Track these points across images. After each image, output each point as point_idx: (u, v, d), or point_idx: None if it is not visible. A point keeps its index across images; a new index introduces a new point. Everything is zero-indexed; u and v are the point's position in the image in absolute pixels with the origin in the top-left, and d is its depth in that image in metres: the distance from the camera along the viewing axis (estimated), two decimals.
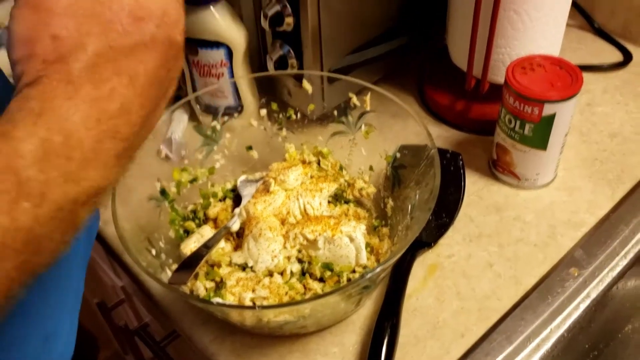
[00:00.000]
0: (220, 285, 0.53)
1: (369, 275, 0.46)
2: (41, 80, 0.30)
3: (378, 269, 0.47)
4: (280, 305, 0.48)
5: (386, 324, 0.52)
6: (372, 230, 0.59)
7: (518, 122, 0.60)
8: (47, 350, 0.48)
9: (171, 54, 0.33)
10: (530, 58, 0.61)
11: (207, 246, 0.53)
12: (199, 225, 0.59)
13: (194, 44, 0.66)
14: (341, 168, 0.64)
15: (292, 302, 0.49)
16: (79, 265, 0.50)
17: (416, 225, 0.51)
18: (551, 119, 0.58)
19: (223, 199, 0.62)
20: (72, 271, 0.48)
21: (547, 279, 0.57)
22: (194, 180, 0.61)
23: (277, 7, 0.62)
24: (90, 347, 0.84)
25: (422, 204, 0.53)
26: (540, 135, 0.60)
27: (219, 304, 0.46)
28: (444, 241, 0.61)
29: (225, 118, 0.64)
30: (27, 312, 0.44)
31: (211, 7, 0.64)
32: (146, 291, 0.59)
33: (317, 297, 0.48)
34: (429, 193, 0.52)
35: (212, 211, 0.59)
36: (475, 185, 0.66)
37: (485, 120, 0.69)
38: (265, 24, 0.63)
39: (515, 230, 0.61)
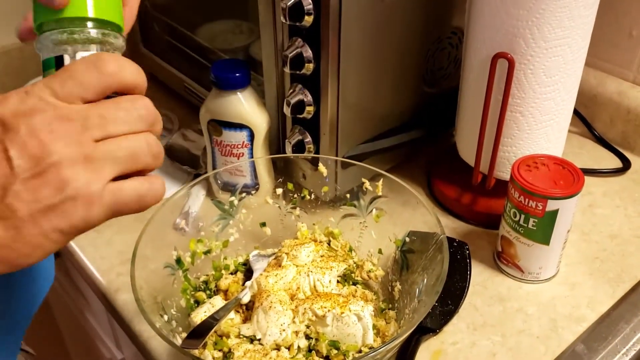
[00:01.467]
0: (227, 356, 0.53)
1: (373, 354, 0.48)
2: None
3: (382, 348, 0.48)
4: None
5: None
6: (379, 312, 0.61)
7: (523, 216, 0.62)
8: None
9: None
10: (535, 157, 0.65)
11: (218, 316, 0.54)
12: (209, 296, 0.60)
13: (220, 125, 0.70)
14: (351, 249, 0.66)
15: None
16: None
17: (423, 309, 0.52)
18: (554, 214, 0.61)
19: (234, 272, 0.64)
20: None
21: None
22: (208, 251, 0.63)
23: (300, 97, 0.67)
24: None
25: (429, 288, 0.55)
26: (543, 230, 0.62)
27: None
28: (448, 328, 0.62)
29: (243, 195, 0.67)
30: None
31: (238, 92, 0.69)
32: (148, 354, 0.60)
33: None
34: (436, 278, 0.54)
35: (224, 283, 0.61)
36: (480, 276, 0.67)
37: (490, 214, 0.72)
38: (287, 110, 0.68)
39: (518, 321, 0.62)
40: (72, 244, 0.72)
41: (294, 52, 0.64)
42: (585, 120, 0.88)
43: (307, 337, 0.55)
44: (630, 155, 0.84)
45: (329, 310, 0.55)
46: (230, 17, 0.88)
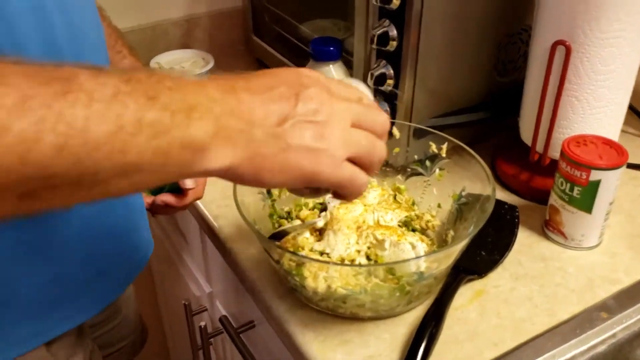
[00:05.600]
0: (300, 264, 0.65)
1: (423, 258, 0.58)
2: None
3: (441, 253, 0.58)
4: (350, 265, 0.60)
5: (431, 321, 0.63)
6: None
7: (568, 185, 0.71)
8: (95, 286, 0.63)
9: None
10: (585, 136, 0.73)
11: (294, 229, 0.66)
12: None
13: None
14: (413, 203, 0.77)
15: (358, 264, 0.61)
16: None
17: (467, 238, 0.62)
18: (597, 184, 0.69)
19: (312, 209, 0.75)
20: None
21: (579, 316, 0.65)
22: None
23: (383, 70, 0.79)
24: (143, 334, 0.97)
25: (475, 229, 0.64)
26: (586, 198, 0.70)
27: (303, 256, 0.59)
28: (492, 275, 0.71)
29: None
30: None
31: (330, 64, 0.82)
32: (240, 271, 0.73)
33: (378, 264, 0.60)
34: (482, 220, 0.63)
35: (303, 213, 0.73)
36: (528, 239, 0.76)
37: (544, 190, 0.80)
38: (370, 82, 0.79)
39: (557, 277, 0.70)
40: None
41: (381, 30, 0.76)
42: None
43: (368, 257, 0.66)
44: None
45: (387, 237, 0.65)
46: (330, 16, 1.02)
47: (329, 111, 0.44)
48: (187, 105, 0.38)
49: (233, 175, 0.42)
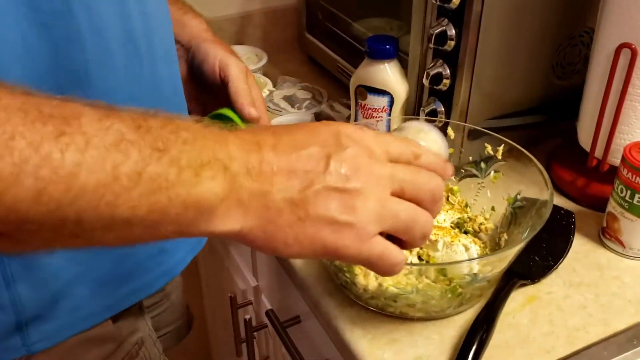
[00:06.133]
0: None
1: (476, 261, 0.57)
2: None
3: (495, 257, 0.57)
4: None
5: (482, 325, 0.62)
6: None
7: (629, 192, 0.69)
8: (160, 261, 0.63)
9: None
10: None
11: None
12: None
13: (366, 90, 0.83)
14: (466, 205, 0.76)
15: (409, 263, 0.61)
16: None
17: (521, 243, 0.61)
18: None
19: None
20: None
21: (636, 327, 0.63)
22: None
23: (439, 70, 0.78)
24: (188, 322, 0.98)
25: (531, 233, 0.63)
26: None
27: None
28: (546, 281, 0.69)
29: None
30: None
31: (386, 63, 0.82)
32: (290, 266, 0.73)
33: (430, 264, 0.59)
34: (539, 225, 0.62)
35: None
36: (583, 247, 0.74)
37: (601, 197, 0.78)
38: (426, 81, 0.79)
39: (613, 286, 0.68)
40: None
41: (439, 29, 0.75)
42: None
43: (419, 258, 0.66)
44: None
45: (441, 237, 0.65)
46: (384, 15, 1.02)
47: (365, 178, 0.39)
48: (200, 161, 0.35)
49: (243, 241, 0.39)
